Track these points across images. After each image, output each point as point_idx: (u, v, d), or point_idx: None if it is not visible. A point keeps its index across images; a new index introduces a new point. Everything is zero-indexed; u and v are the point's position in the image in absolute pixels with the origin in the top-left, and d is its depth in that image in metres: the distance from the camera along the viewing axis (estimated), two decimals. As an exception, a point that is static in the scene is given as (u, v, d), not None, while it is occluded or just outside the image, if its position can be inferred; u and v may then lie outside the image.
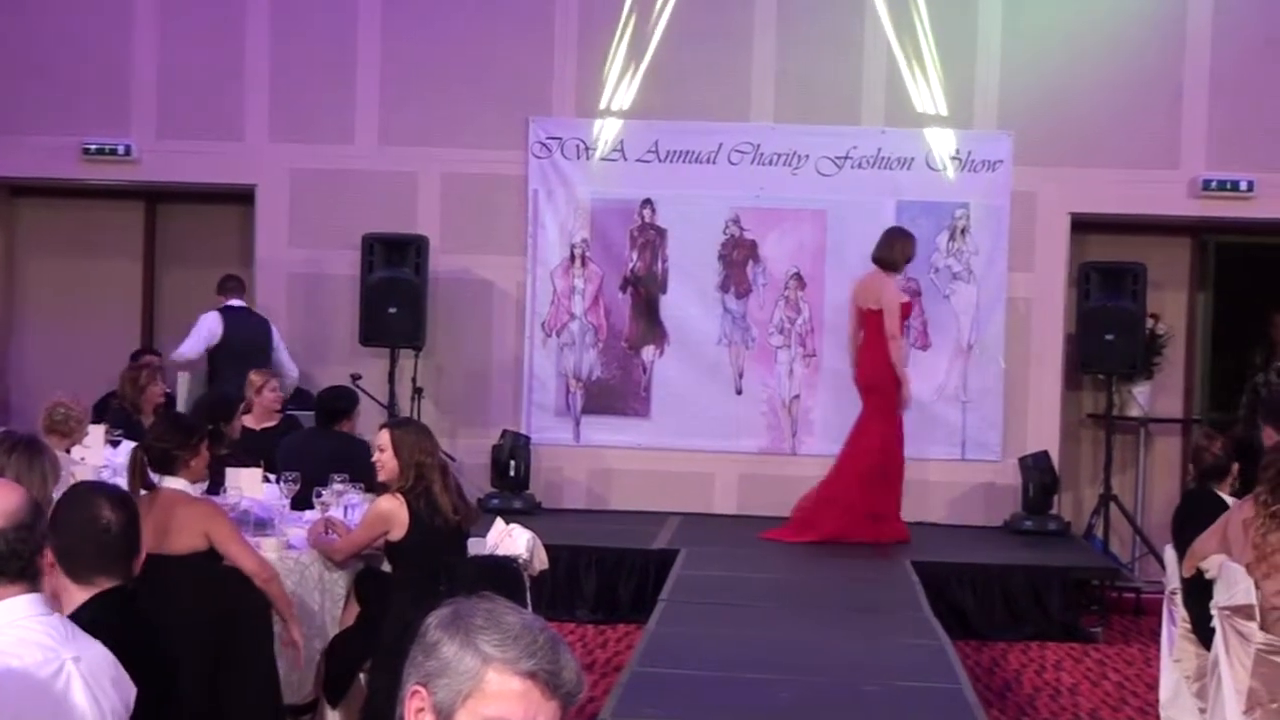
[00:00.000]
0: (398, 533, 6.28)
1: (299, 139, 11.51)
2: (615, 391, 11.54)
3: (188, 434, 6.15)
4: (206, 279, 11.90)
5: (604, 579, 9.82)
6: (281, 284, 11.57)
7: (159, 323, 12.22)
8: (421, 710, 2.22)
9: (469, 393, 11.53)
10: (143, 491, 5.88)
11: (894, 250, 10.25)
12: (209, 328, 10.73)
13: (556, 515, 11.03)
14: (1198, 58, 11.09)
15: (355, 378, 11.07)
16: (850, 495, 10.17)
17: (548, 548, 7.31)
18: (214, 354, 10.73)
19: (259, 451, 7.95)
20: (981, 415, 11.28)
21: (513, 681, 2.17)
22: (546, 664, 2.18)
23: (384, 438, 6.41)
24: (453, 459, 10.71)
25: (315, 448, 8.23)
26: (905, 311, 10.25)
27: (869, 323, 10.22)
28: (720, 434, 11.40)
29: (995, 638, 9.45)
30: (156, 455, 6.01)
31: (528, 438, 11.28)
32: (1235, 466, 7.22)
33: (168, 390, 10.18)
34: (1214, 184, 11.02)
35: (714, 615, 7.88)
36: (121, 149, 11.48)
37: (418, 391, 11.09)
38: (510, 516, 7.94)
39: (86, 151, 11.46)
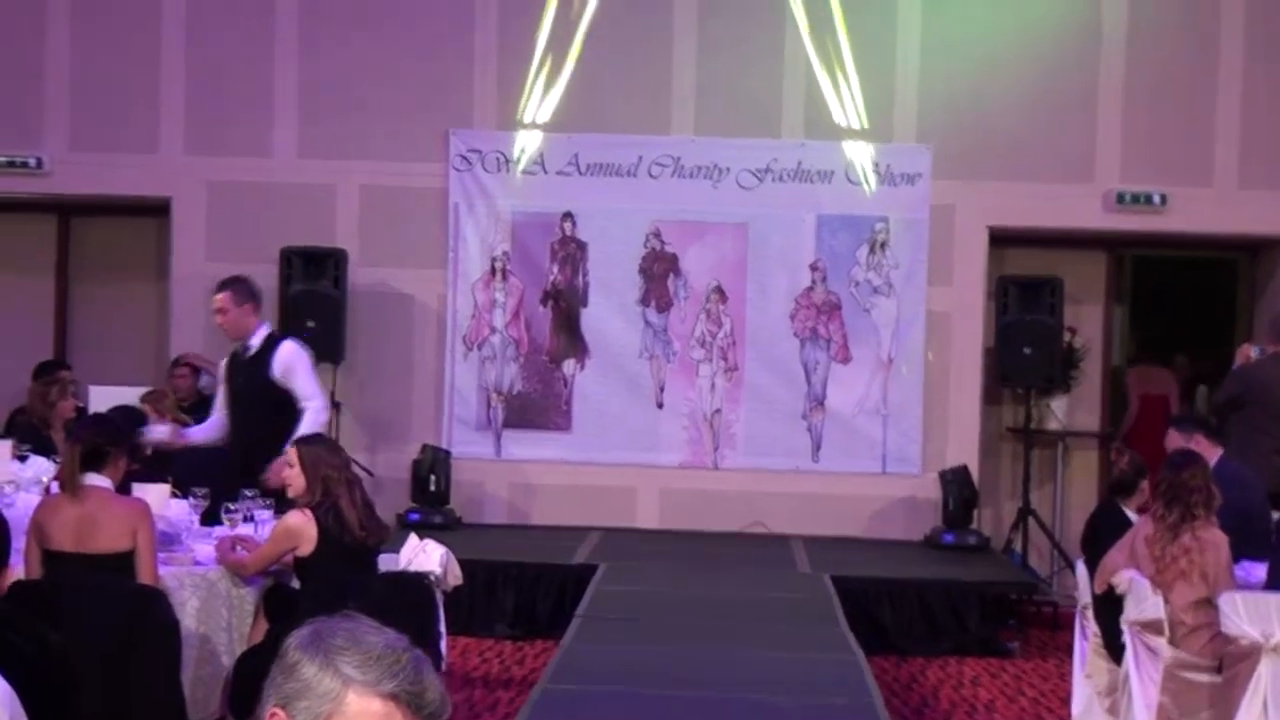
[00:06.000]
0: (306, 548, 6.22)
1: (215, 151, 11.38)
2: (536, 405, 11.48)
3: (117, 431, 6.38)
4: (121, 293, 11.83)
5: (523, 595, 9.77)
6: (199, 298, 11.35)
7: (72, 337, 12.05)
8: (280, 732, 2.17)
9: (389, 407, 11.44)
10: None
11: None
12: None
13: (477, 530, 10.98)
14: (1112, 72, 11.18)
15: (272, 392, 10.97)
16: None
17: (467, 563, 7.28)
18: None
19: (164, 467, 7.86)
20: (902, 429, 11.30)
21: (374, 703, 2.12)
22: (409, 685, 2.13)
23: (291, 454, 6.37)
24: (371, 474, 10.67)
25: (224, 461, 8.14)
26: None
27: None
28: (641, 448, 11.37)
29: (914, 653, 9.47)
30: (89, 450, 6.11)
31: (448, 452, 11.20)
32: (1144, 483, 7.26)
33: (80, 405, 10.02)
34: (1128, 197, 11.10)
35: (630, 631, 7.83)
36: (33, 162, 11.31)
37: (336, 405, 10.98)
38: (430, 532, 7.89)
39: (-4, 164, 11.31)
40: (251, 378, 8.07)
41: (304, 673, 2.15)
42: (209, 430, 8.21)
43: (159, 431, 8.24)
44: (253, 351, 8.10)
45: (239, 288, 8.16)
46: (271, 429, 7.71)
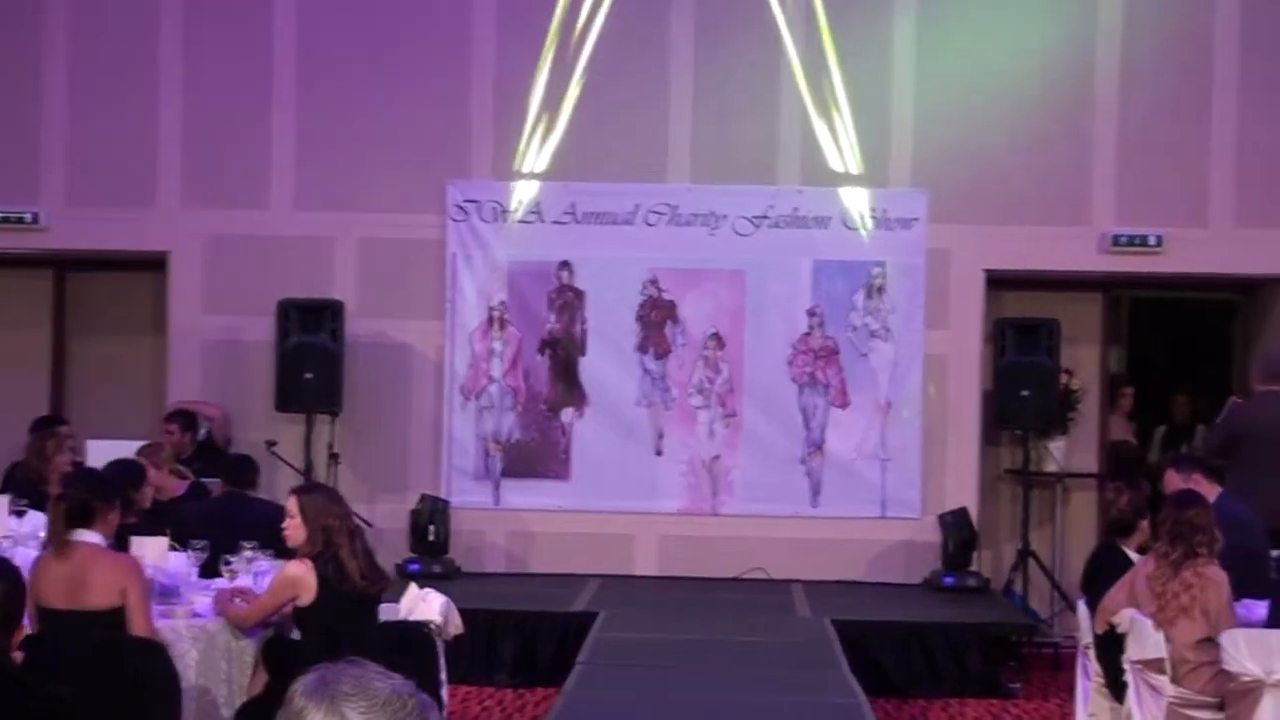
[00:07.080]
0: (306, 598, 6.20)
1: (213, 204, 11.40)
2: (535, 454, 11.47)
3: (104, 486, 6.30)
4: (118, 348, 11.82)
5: (523, 643, 9.73)
6: (197, 351, 11.44)
7: (69, 391, 12.03)
8: (286, 779, 2.16)
9: (387, 457, 11.42)
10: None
11: None
12: None
13: (476, 579, 10.94)
14: (1106, 114, 11.22)
15: (270, 444, 10.99)
16: None
17: (467, 612, 7.27)
18: None
19: (161, 521, 7.85)
20: (901, 473, 11.29)
21: (379, 749, 2.12)
22: (414, 730, 2.13)
23: (292, 504, 6.36)
24: (370, 524, 10.62)
25: (227, 514, 8.14)
26: None
27: None
28: (640, 495, 11.35)
29: (915, 695, 9.43)
30: (75, 507, 6.05)
31: (447, 502, 11.18)
32: (1144, 523, 7.26)
33: (76, 460, 10.00)
34: (1124, 239, 11.13)
35: (630, 678, 7.81)
36: (29, 217, 11.31)
37: (334, 457, 10.99)
38: (430, 581, 7.88)
39: (-8, 220, 11.31)
40: None
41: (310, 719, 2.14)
42: None
43: None
44: None
45: None
46: None
